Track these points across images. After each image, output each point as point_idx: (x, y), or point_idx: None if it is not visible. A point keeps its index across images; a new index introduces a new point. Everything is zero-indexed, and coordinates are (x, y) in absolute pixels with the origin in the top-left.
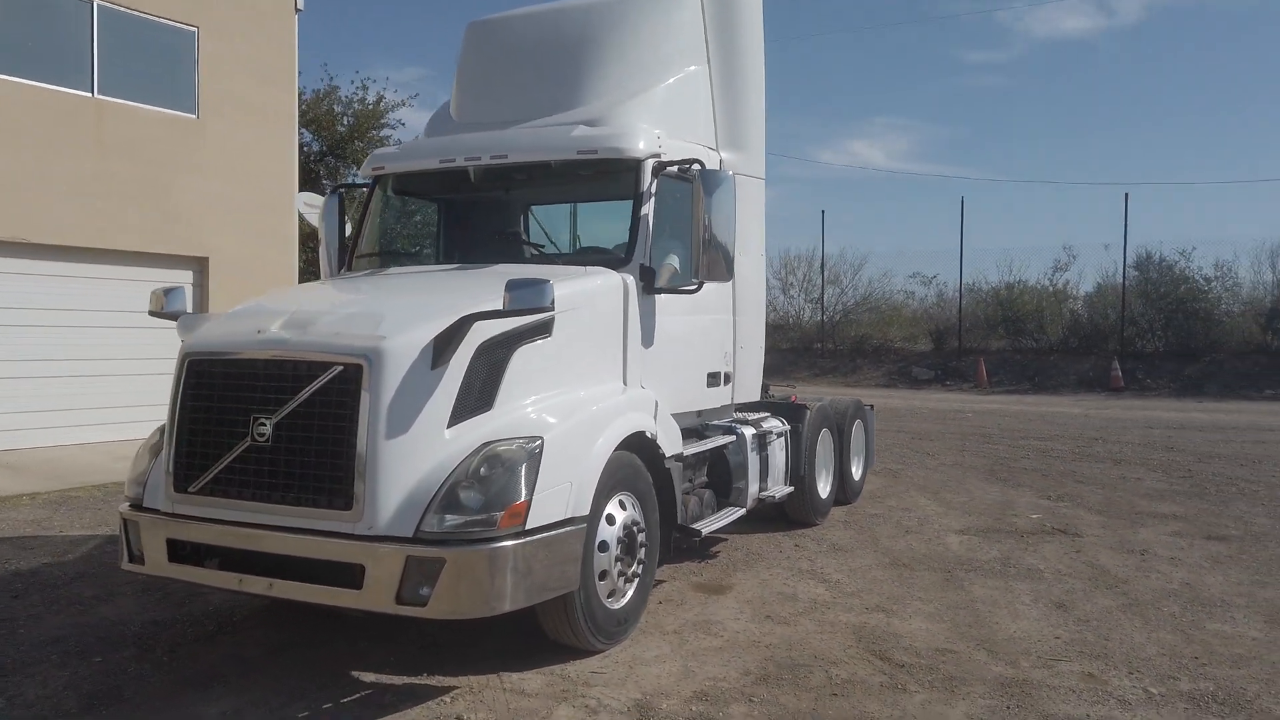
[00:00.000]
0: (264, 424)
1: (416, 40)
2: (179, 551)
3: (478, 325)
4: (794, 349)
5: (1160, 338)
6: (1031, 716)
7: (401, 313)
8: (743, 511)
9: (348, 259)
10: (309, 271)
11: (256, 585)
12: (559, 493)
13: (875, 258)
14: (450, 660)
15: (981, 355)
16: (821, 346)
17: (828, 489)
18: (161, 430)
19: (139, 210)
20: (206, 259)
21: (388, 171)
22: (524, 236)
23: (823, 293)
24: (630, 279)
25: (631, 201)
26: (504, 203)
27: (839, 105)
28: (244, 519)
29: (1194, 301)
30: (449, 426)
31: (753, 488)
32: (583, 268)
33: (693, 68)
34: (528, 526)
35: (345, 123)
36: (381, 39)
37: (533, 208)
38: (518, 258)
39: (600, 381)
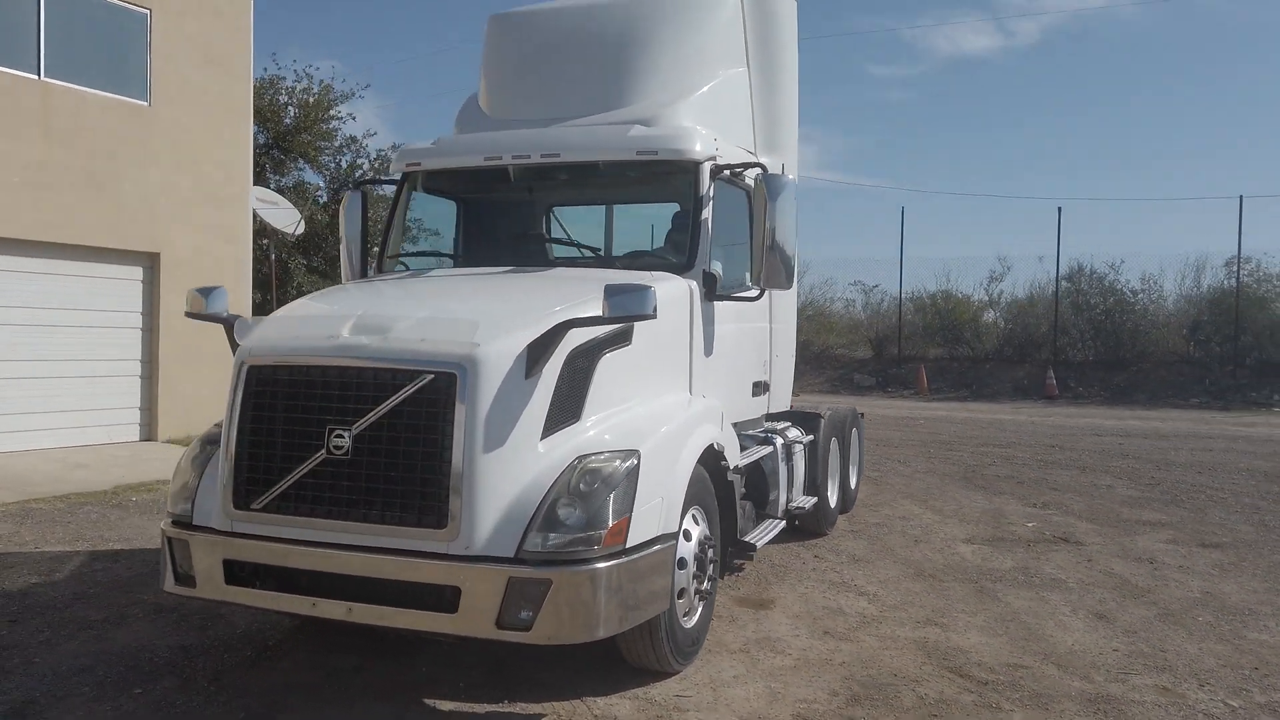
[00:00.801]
0: (342, 436)
1: (331, 32)
2: (236, 573)
3: (570, 332)
4: None
5: (1090, 347)
6: None
7: (492, 318)
8: (783, 524)
9: (378, 259)
10: (260, 271)
11: (333, 610)
12: (653, 509)
13: (816, 265)
14: (525, 685)
15: (922, 363)
16: None
17: (835, 498)
18: (206, 441)
19: (88, 201)
20: (158, 255)
21: (424, 168)
22: (571, 238)
23: None
24: (694, 285)
25: (691, 205)
26: (529, 203)
27: None
28: (317, 538)
29: (1122, 313)
30: (542, 439)
31: (783, 498)
32: (648, 273)
33: (735, 70)
34: (628, 545)
35: (291, 114)
36: (299, 30)
37: (554, 209)
38: (561, 260)
39: (671, 391)
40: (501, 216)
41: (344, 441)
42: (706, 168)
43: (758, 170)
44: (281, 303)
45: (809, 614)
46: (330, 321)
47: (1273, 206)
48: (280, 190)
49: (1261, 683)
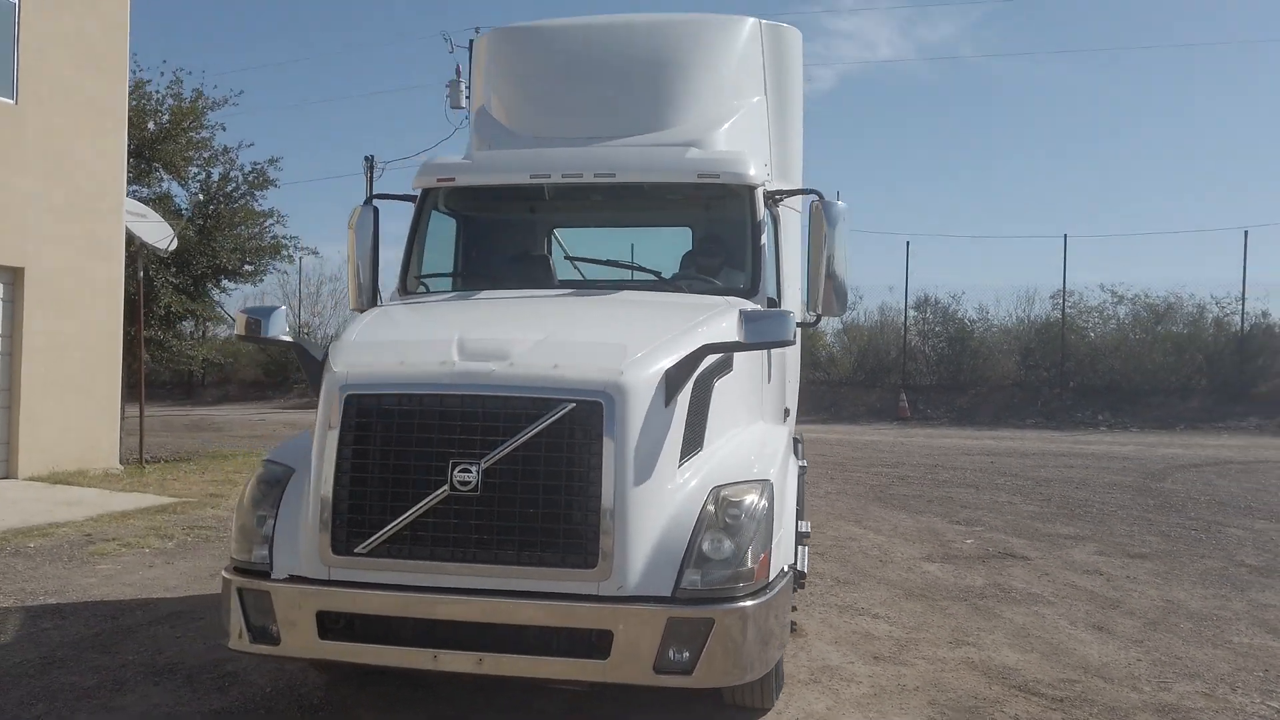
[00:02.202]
0: (468, 470)
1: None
2: (329, 626)
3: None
4: None
5: (935, 372)
6: None
7: (630, 343)
8: (806, 549)
9: (401, 280)
10: (130, 288)
11: (460, 663)
12: (780, 541)
13: None
14: None
15: None
16: None
17: None
18: (268, 481)
19: None
20: (22, 269)
21: (459, 184)
22: (632, 261)
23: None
24: None
25: (749, 230)
26: (533, 223)
27: None
28: (438, 583)
29: (963, 340)
30: (678, 468)
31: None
32: (725, 299)
33: (756, 98)
34: (770, 579)
35: (160, 120)
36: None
37: (555, 231)
38: (613, 283)
39: (753, 419)
40: (508, 236)
41: (471, 477)
42: (760, 193)
43: (814, 197)
44: (149, 325)
45: (844, 639)
46: (430, 346)
47: (1093, 245)
48: (144, 203)
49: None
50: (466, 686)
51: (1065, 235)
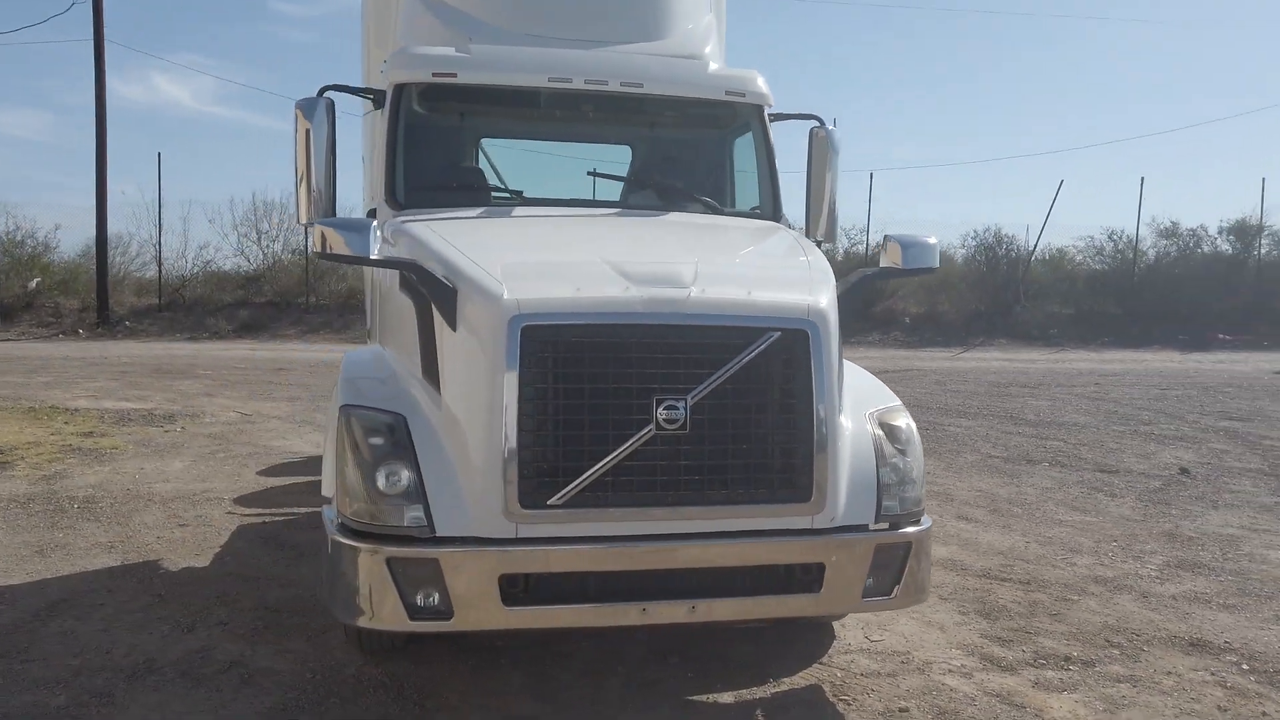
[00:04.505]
0: (675, 407)
1: None
2: (506, 590)
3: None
4: (273, 302)
5: None
6: (1152, 600)
7: (803, 269)
8: None
9: (390, 189)
10: None
11: (671, 613)
12: None
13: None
14: (752, 667)
15: None
16: (306, 301)
17: None
18: (379, 430)
19: None
20: None
21: (460, 81)
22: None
23: (306, 241)
24: None
25: (762, 152)
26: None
27: (133, 33)
28: (641, 531)
29: None
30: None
31: None
32: (767, 223)
33: (709, 16)
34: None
35: None
36: None
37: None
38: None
39: None
40: (455, 144)
41: (678, 414)
42: (767, 114)
43: (814, 123)
44: None
45: None
46: (589, 269)
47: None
48: None
49: (1136, 548)
50: (539, 649)
51: None
